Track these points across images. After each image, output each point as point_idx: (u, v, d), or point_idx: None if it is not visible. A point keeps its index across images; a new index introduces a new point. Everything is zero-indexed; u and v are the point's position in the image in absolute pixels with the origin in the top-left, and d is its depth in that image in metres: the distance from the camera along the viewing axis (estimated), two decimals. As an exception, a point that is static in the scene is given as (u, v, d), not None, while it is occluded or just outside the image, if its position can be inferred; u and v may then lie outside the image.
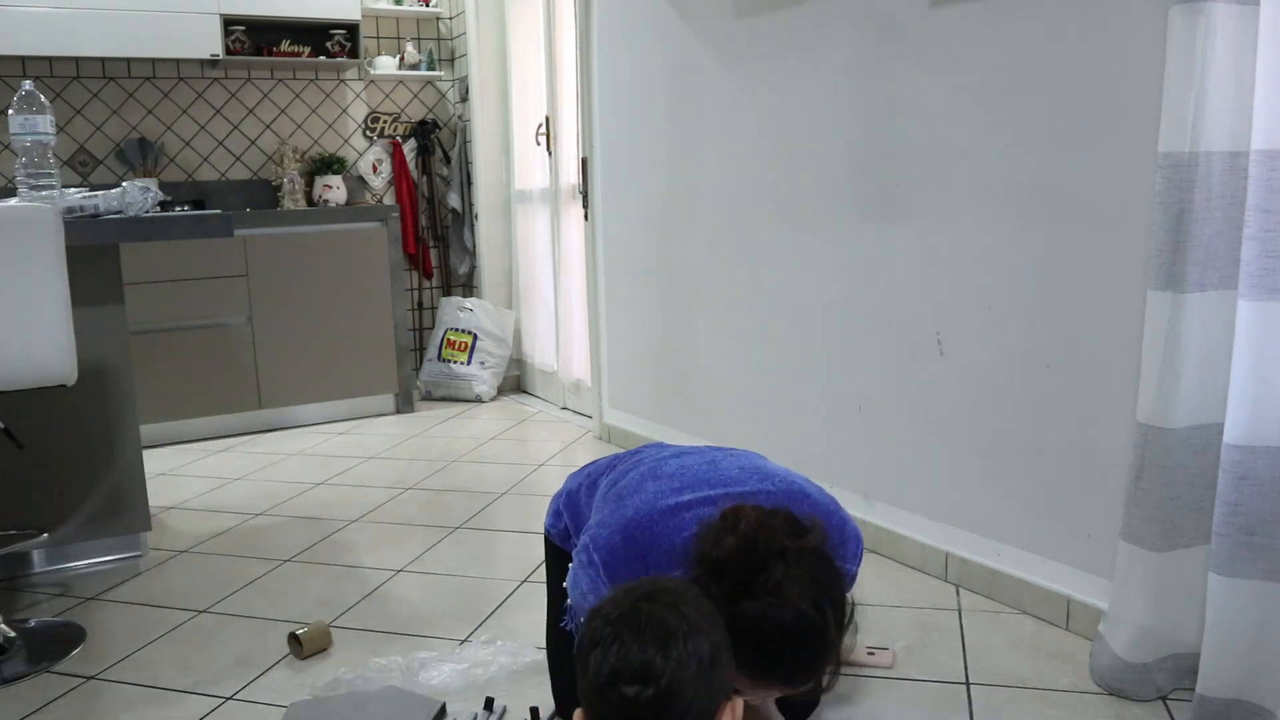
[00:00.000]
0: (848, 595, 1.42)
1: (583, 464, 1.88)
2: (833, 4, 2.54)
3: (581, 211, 3.94)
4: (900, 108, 2.38)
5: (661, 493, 1.52)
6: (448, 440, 3.95)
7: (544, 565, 1.90)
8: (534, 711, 1.75)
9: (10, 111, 2.35)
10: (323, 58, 4.48)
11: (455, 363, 4.70)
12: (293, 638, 2.08)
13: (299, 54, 4.45)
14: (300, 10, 4.29)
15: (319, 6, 4.33)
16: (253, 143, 4.55)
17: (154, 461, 3.69)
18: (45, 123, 2.35)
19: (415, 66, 4.79)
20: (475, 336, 4.69)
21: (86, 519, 2.60)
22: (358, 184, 4.78)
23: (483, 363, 4.69)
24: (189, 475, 3.54)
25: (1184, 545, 1.73)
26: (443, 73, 4.90)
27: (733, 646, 1.23)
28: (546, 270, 4.51)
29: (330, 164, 4.60)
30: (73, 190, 2.39)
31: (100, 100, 4.24)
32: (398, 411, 4.48)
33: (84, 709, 1.89)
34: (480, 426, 4.18)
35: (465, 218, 4.96)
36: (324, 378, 4.23)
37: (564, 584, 1.58)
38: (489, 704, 1.79)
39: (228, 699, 1.91)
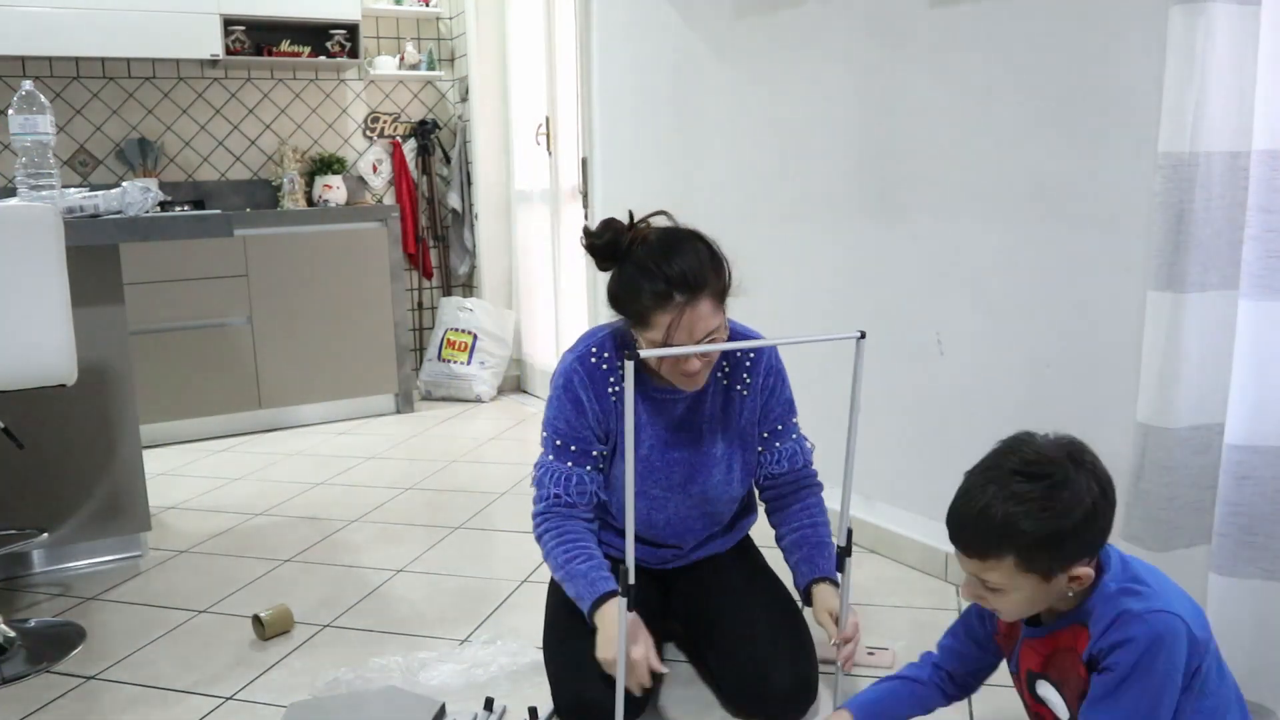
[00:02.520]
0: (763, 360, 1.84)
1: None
2: (833, 4, 2.54)
3: (581, 211, 3.94)
4: (900, 107, 2.37)
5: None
6: (448, 440, 3.95)
7: (544, 568, 1.90)
8: (532, 711, 1.75)
9: (10, 111, 2.35)
10: (323, 58, 4.47)
11: (455, 363, 4.70)
12: (256, 620, 2.14)
13: (299, 54, 4.45)
14: (300, 10, 4.29)
15: (319, 6, 4.33)
16: (253, 143, 4.55)
17: (154, 461, 3.69)
18: (45, 123, 2.35)
19: (415, 66, 4.79)
20: (475, 336, 4.69)
21: (86, 519, 2.60)
22: (358, 184, 4.78)
23: (483, 363, 4.69)
24: (189, 475, 3.54)
25: (1184, 545, 1.73)
26: (443, 73, 4.90)
27: (646, 281, 1.62)
28: (546, 270, 4.51)
29: (330, 164, 4.60)
30: (73, 190, 2.40)
31: (100, 100, 4.24)
32: (398, 411, 4.48)
33: (84, 709, 1.89)
34: (480, 426, 4.18)
35: (465, 218, 4.95)
36: (324, 378, 4.23)
37: (558, 578, 1.78)
38: (489, 704, 1.79)
39: (228, 699, 1.91)
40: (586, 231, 1.71)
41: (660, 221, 1.74)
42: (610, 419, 1.79)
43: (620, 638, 1.48)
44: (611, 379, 1.79)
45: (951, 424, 2.33)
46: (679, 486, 1.84)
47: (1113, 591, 1.26)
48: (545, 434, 1.82)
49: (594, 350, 1.80)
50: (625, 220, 1.72)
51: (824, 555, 1.83)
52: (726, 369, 1.84)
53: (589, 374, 1.78)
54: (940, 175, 2.29)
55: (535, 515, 1.82)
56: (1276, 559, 1.58)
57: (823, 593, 1.78)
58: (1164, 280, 1.65)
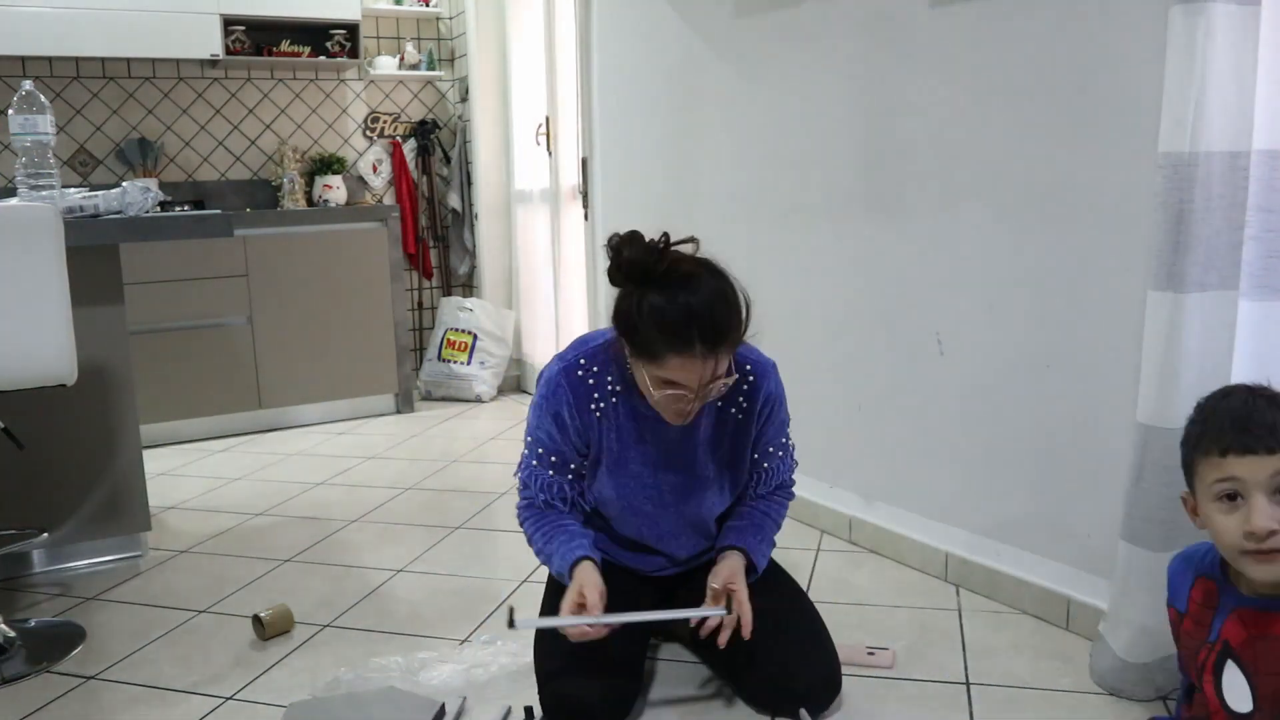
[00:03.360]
0: (764, 366, 1.80)
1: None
2: (833, 4, 2.54)
3: (581, 211, 3.94)
4: (900, 107, 2.37)
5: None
6: (448, 440, 3.95)
7: (544, 568, 1.90)
8: (528, 711, 1.75)
9: (10, 111, 2.35)
10: (323, 58, 4.47)
11: (455, 363, 4.70)
12: (256, 619, 2.15)
13: (299, 54, 4.45)
14: (300, 10, 4.29)
15: (319, 6, 4.33)
16: (253, 143, 4.55)
17: (154, 461, 3.69)
18: (45, 123, 2.35)
19: (415, 66, 4.79)
20: (475, 336, 4.69)
21: (86, 519, 2.60)
22: (358, 184, 4.78)
23: (483, 363, 4.69)
24: (189, 475, 3.54)
25: (1184, 545, 1.72)
26: (443, 73, 4.90)
27: (656, 327, 1.54)
28: (546, 270, 4.51)
29: (330, 164, 4.60)
30: (73, 190, 2.39)
31: (100, 100, 4.24)
32: (398, 411, 4.48)
33: (84, 709, 1.89)
34: (480, 426, 4.18)
35: (465, 218, 4.95)
36: (324, 378, 4.23)
37: (541, 560, 1.83)
38: (529, 713, 1.77)
39: (228, 699, 1.91)
40: (614, 245, 1.61)
41: (687, 249, 1.64)
42: (592, 432, 1.77)
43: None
44: (596, 395, 1.75)
45: (951, 424, 2.33)
46: (671, 506, 1.84)
47: None
48: (529, 439, 1.83)
49: (582, 362, 1.76)
50: (654, 238, 1.61)
51: (754, 535, 1.84)
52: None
53: (573, 388, 1.75)
54: (940, 175, 2.29)
55: (519, 508, 1.88)
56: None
57: (728, 559, 1.78)
58: (1164, 280, 1.65)
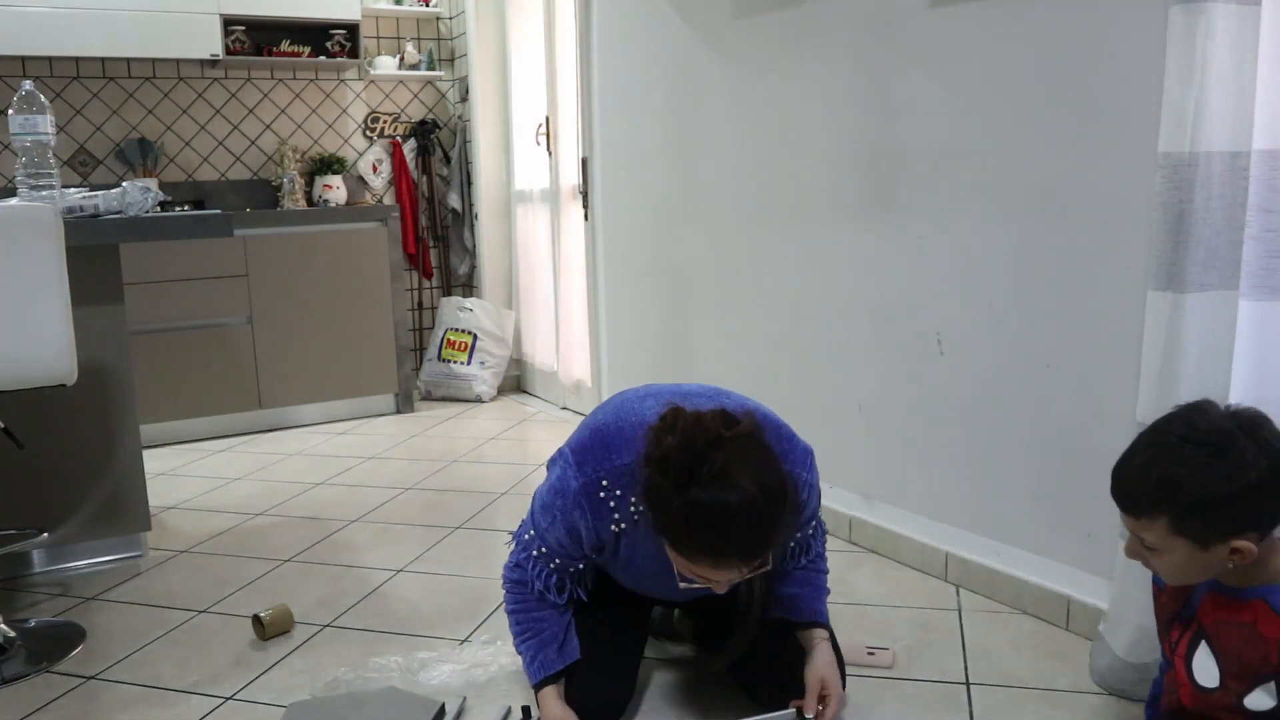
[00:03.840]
0: (800, 493, 1.56)
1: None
2: (833, 4, 2.54)
3: (581, 211, 3.94)
4: (900, 108, 2.37)
5: (626, 399, 1.71)
6: (448, 440, 3.95)
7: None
8: (526, 711, 1.75)
9: (10, 111, 2.35)
10: (323, 58, 4.47)
11: (455, 363, 4.70)
12: (256, 620, 2.15)
13: (299, 54, 4.45)
14: (300, 10, 4.29)
15: (319, 6, 4.33)
16: (253, 143, 4.55)
17: (154, 461, 3.69)
18: (45, 123, 2.35)
19: (415, 66, 4.79)
20: (475, 336, 4.69)
21: (86, 519, 2.60)
22: (358, 184, 4.78)
23: (483, 363, 4.69)
24: (189, 475, 3.54)
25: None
26: (443, 73, 4.90)
27: (689, 533, 1.40)
28: (546, 270, 4.51)
29: (330, 164, 4.60)
30: (73, 190, 2.39)
31: (100, 100, 4.24)
32: (398, 411, 4.48)
33: (84, 709, 1.89)
34: (480, 426, 4.18)
35: (465, 218, 4.95)
36: (324, 378, 4.23)
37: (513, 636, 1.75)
38: (526, 713, 1.77)
39: (228, 699, 1.91)
40: (666, 425, 1.46)
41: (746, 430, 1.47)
42: (607, 543, 1.65)
43: None
44: (617, 515, 1.61)
45: (951, 424, 2.33)
46: (684, 591, 1.69)
47: None
48: (533, 534, 1.70)
49: (604, 483, 1.59)
50: (705, 424, 1.44)
51: (820, 598, 1.79)
52: None
53: (593, 509, 1.60)
54: (940, 175, 2.29)
55: (507, 579, 1.76)
56: (1276, 559, 1.58)
57: (820, 652, 1.71)
58: (1164, 280, 1.65)
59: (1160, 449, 1.26)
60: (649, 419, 1.57)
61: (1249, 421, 1.24)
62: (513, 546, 1.77)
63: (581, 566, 1.71)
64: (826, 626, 1.77)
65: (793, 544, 1.76)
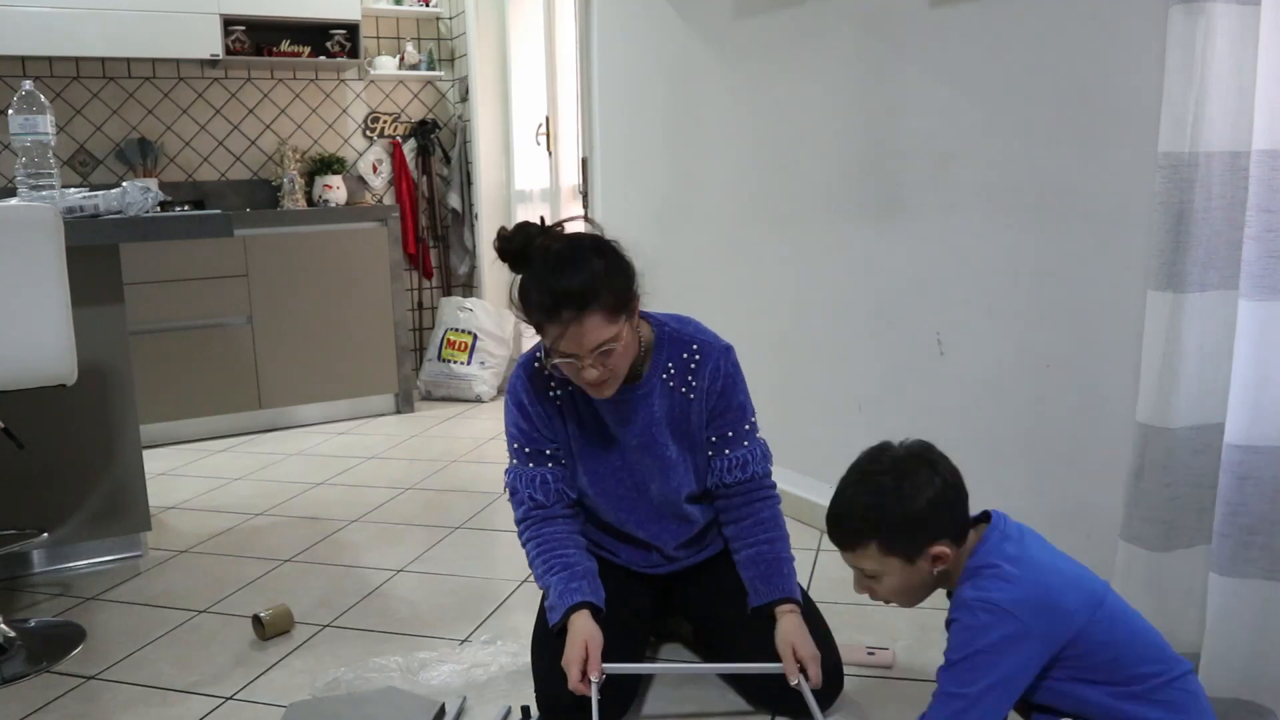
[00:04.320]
0: (709, 361, 1.81)
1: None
2: (833, 4, 2.54)
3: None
4: (900, 107, 2.37)
5: None
6: (448, 440, 3.95)
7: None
8: (525, 710, 1.75)
9: (10, 111, 2.35)
10: (323, 58, 4.47)
11: (455, 363, 4.70)
12: (256, 620, 2.15)
13: (299, 54, 4.45)
14: (300, 10, 4.29)
15: (319, 6, 4.33)
16: (253, 143, 4.55)
17: (154, 461, 3.69)
18: (45, 123, 2.35)
19: (415, 66, 4.79)
20: (475, 336, 4.69)
21: (86, 519, 2.60)
22: (358, 184, 4.78)
23: (483, 363, 4.69)
24: (189, 475, 3.54)
25: (1184, 545, 1.73)
26: (443, 73, 4.90)
27: (526, 296, 1.63)
28: (546, 270, 4.50)
29: (330, 164, 4.60)
30: (73, 190, 2.39)
31: (100, 100, 4.24)
32: (398, 411, 4.48)
33: (84, 709, 1.89)
34: (480, 426, 4.18)
35: (465, 218, 4.95)
36: (324, 378, 4.23)
37: (539, 587, 1.83)
38: (525, 713, 1.77)
39: (228, 699, 1.91)
40: (500, 233, 1.69)
41: (578, 228, 1.73)
42: (554, 420, 1.83)
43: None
44: (553, 383, 1.82)
45: (951, 424, 2.33)
46: (642, 488, 1.85)
47: (970, 567, 1.43)
48: (507, 440, 1.87)
49: (538, 355, 1.80)
50: (539, 224, 1.71)
51: (780, 573, 1.81)
52: (672, 370, 1.81)
53: (530, 377, 1.82)
54: (940, 175, 2.29)
55: (518, 523, 1.87)
56: (1277, 559, 1.58)
57: (785, 622, 1.75)
58: (1164, 280, 1.65)
59: (856, 486, 1.46)
60: None
61: (920, 450, 1.48)
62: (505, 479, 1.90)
63: (549, 453, 1.84)
64: (796, 601, 1.78)
65: (714, 437, 1.84)
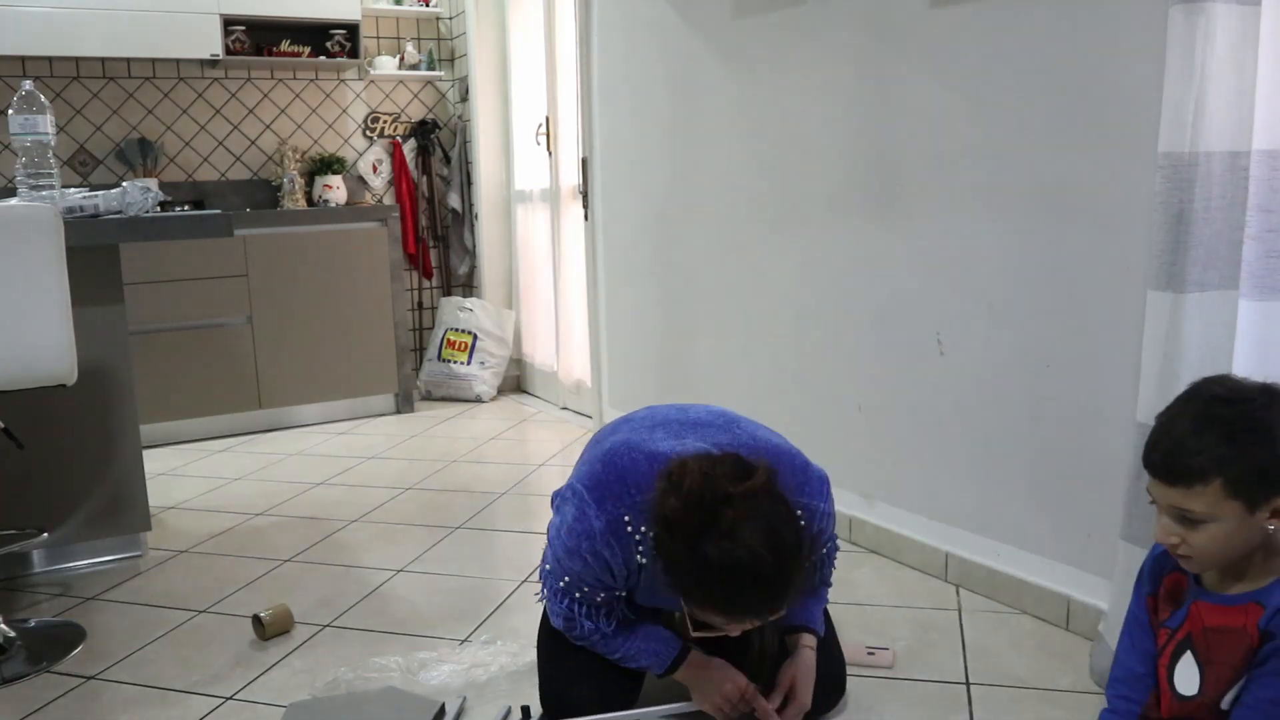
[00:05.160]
0: (814, 526, 1.59)
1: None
2: (832, 4, 2.54)
3: (581, 211, 3.94)
4: (900, 107, 2.38)
5: (633, 428, 1.68)
6: (448, 440, 3.95)
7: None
8: (525, 710, 1.75)
9: (10, 111, 2.35)
10: (323, 58, 4.47)
11: (455, 363, 4.70)
12: (256, 620, 2.15)
13: (299, 54, 4.45)
14: (300, 10, 4.29)
15: (319, 6, 4.33)
16: (253, 143, 4.55)
17: (154, 461, 3.69)
18: (45, 123, 2.35)
19: (415, 66, 4.79)
20: (475, 336, 4.69)
21: (86, 519, 2.60)
22: (358, 184, 4.78)
23: (483, 363, 4.69)
24: (189, 475, 3.54)
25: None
26: (443, 73, 4.90)
27: (701, 587, 1.40)
28: (546, 270, 4.51)
29: (330, 164, 4.60)
30: (73, 190, 2.39)
31: (100, 100, 4.24)
32: (398, 411, 4.48)
33: (84, 709, 1.89)
34: (480, 426, 4.18)
35: (465, 218, 4.96)
36: (324, 378, 4.23)
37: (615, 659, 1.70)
38: (525, 713, 1.77)
39: (228, 699, 1.91)
40: (670, 480, 1.44)
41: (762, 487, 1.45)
42: (633, 571, 1.61)
43: None
44: (641, 548, 1.58)
45: (951, 424, 2.33)
46: None
47: None
48: (568, 580, 1.63)
49: (627, 520, 1.56)
50: (714, 480, 1.42)
51: (816, 605, 1.77)
52: None
53: (620, 544, 1.57)
54: (940, 175, 2.29)
55: (563, 629, 1.70)
56: (1276, 559, 1.58)
57: (801, 656, 1.69)
58: (1164, 280, 1.65)
59: (1206, 416, 1.25)
60: (662, 451, 1.57)
61: (1270, 387, 1.27)
62: (545, 597, 1.71)
63: (620, 594, 1.66)
64: (816, 633, 1.74)
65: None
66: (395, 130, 4.85)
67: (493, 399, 4.73)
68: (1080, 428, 2.03)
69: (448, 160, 4.98)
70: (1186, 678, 1.35)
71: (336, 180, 4.56)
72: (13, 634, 2.15)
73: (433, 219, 4.98)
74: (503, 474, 3.41)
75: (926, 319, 2.37)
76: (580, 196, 3.94)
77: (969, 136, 2.20)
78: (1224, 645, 1.31)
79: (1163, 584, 1.43)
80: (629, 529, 1.56)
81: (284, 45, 4.42)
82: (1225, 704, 1.30)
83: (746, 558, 1.37)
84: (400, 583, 2.47)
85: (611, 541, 1.56)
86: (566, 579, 1.63)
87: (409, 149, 4.88)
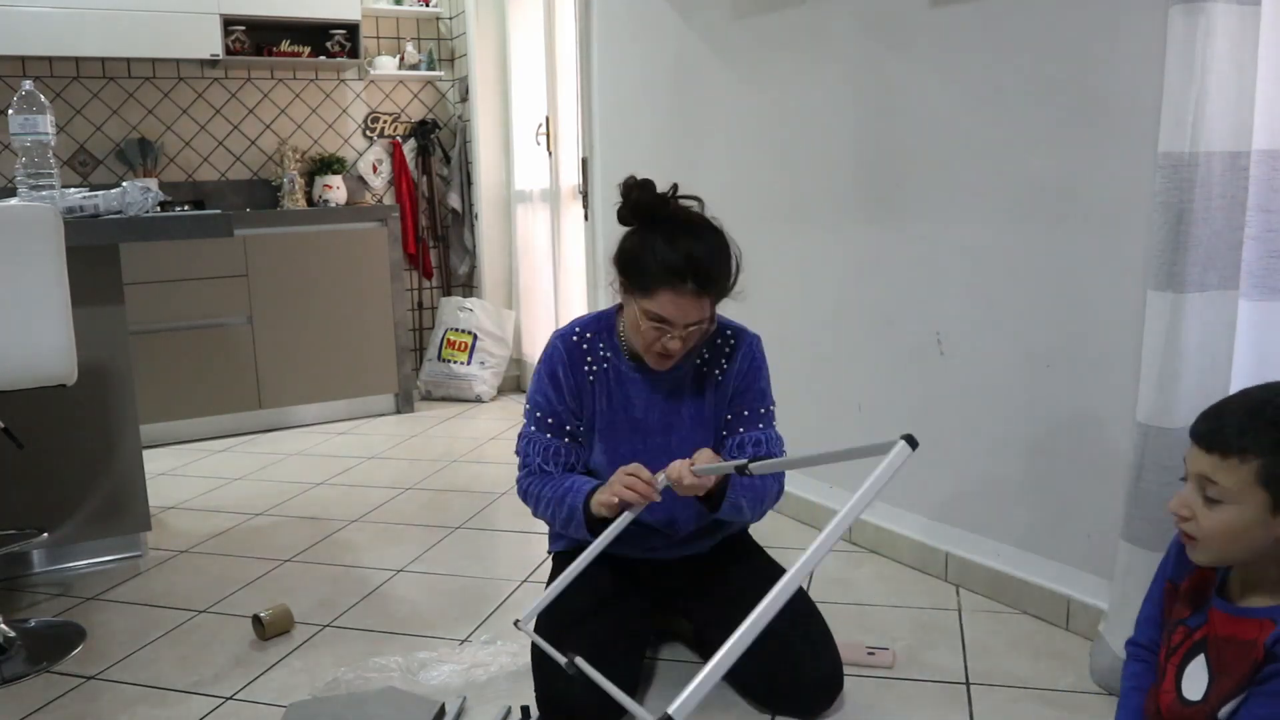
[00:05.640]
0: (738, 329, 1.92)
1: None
2: (832, 4, 2.54)
3: (581, 211, 3.94)
4: (900, 107, 2.37)
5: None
6: (448, 440, 3.95)
7: (544, 566, 1.91)
8: (525, 710, 1.75)
9: (10, 111, 2.35)
10: (323, 58, 4.47)
11: (455, 363, 4.70)
12: (256, 620, 2.15)
13: (299, 54, 4.45)
14: (300, 10, 4.29)
15: (319, 6, 4.33)
16: (253, 143, 4.55)
17: (154, 461, 3.69)
18: (45, 123, 2.35)
19: (415, 66, 4.79)
20: (475, 336, 4.69)
21: (86, 519, 2.60)
22: (358, 184, 4.78)
23: (483, 363, 4.69)
24: (189, 475, 3.54)
25: (1184, 545, 1.73)
26: (443, 73, 4.90)
27: (655, 254, 1.68)
28: (546, 270, 4.51)
29: (330, 164, 4.60)
30: (73, 190, 2.39)
31: (100, 100, 4.24)
32: (398, 411, 4.48)
33: (84, 709, 1.89)
34: (480, 426, 4.18)
35: (465, 218, 4.96)
36: (324, 378, 4.23)
37: (548, 516, 1.87)
38: (525, 713, 1.77)
39: (228, 699, 1.91)
40: (627, 186, 1.74)
41: (693, 205, 1.80)
42: (585, 395, 1.88)
43: None
44: (589, 358, 1.88)
45: (951, 424, 2.33)
46: (658, 432, 1.87)
47: None
48: (527, 406, 1.91)
49: (577, 330, 1.90)
50: (665, 188, 1.77)
51: (748, 491, 1.80)
52: (706, 355, 1.89)
53: (568, 351, 1.88)
54: (940, 175, 2.29)
55: (519, 480, 1.90)
56: (1276, 559, 1.58)
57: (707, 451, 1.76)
58: (1164, 280, 1.65)
59: (1266, 401, 1.22)
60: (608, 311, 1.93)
61: None
62: (521, 449, 1.91)
63: (569, 429, 1.86)
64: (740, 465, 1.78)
65: (731, 415, 1.87)
66: (395, 130, 4.85)
67: (493, 399, 4.74)
68: (1080, 428, 2.03)
69: (448, 160, 4.98)
70: (1195, 680, 1.33)
71: (336, 180, 4.56)
72: (13, 634, 2.15)
73: (433, 219, 4.98)
74: (503, 474, 3.41)
75: (926, 319, 2.37)
76: (580, 196, 3.94)
77: (969, 136, 2.20)
78: (1233, 656, 1.29)
79: (1187, 578, 1.40)
80: (576, 337, 1.88)
81: (284, 45, 4.42)
82: (1223, 716, 1.29)
83: (690, 217, 1.73)
84: (400, 583, 2.47)
85: (560, 347, 1.87)
86: (529, 405, 1.90)
87: (409, 149, 4.88)
